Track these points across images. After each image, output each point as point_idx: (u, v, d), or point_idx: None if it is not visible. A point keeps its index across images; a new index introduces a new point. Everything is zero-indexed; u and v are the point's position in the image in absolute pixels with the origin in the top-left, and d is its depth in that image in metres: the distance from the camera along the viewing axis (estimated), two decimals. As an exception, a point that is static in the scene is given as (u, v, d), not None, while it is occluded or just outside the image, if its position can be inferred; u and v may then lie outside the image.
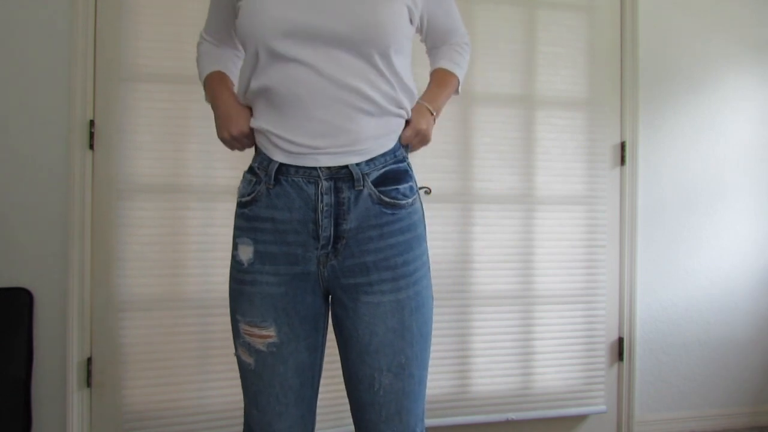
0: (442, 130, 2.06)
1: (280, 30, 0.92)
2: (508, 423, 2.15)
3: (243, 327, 0.99)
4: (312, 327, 1.01)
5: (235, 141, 1.04)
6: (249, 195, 0.99)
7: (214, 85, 1.08)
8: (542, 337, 2.16)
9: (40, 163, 1.82)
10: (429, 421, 1.95)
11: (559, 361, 2.18)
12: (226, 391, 1.92)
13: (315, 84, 0.93)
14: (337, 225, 0.96)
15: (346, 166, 0.95)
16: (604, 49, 2.24)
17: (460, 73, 1.17)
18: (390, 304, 0.96)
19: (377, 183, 0.97)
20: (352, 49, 0.93)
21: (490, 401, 2.13)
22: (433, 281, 1.09)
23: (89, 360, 1.85)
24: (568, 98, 2.19)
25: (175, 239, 1.89)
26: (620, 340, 2.26)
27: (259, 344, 0.97)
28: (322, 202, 0.95)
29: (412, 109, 1.05)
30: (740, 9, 2.38)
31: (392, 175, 0.99)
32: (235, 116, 1.02)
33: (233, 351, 1.88)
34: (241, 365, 1.02)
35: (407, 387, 0.98)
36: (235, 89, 1.09)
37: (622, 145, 2.25)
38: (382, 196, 0.97)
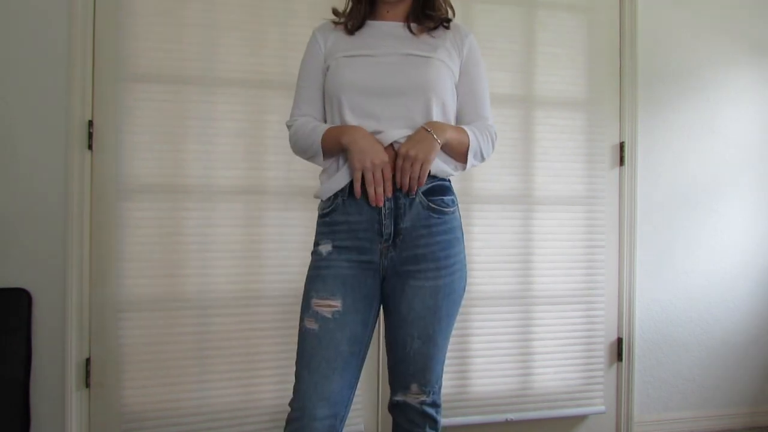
0: (441, 130, 2.06)
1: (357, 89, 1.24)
2: (507, 423, 2.15)
3: (315, 301, 1.22)
4: (368, 305, 1.25)
5: (376, 168, 1.20)
6: (328, 208, 1.26)
7: (342, 128, 1.24)
8: (541, 337, 2.16)
9: (39, 164, 1.82)
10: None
11: (558, 362, 2.18)
12: (225, 392, 1.92)
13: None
14: (395, 224, 1.22)
15: None
16: (603, 50, 2.24)
17: (473, 140, 1.27)
18: (429, 289, 1.23)
19: (426, 194, 1.23)
20: (406, 96, 1.23)
21: (489, 402, 2.13)
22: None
23: (88, 360, 1.85)
24: (567, 98, 2.19)
25: (174, 239, 1.89)
26: (619, 341, 2.26)
27: (326, 312, 1.20)
28: (384, 207, 1.21)
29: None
30: (740, 9, 2.38)
31: (438, 189, 1.25)
32: (378, 148, 1.21)
33: (237, 350, 1.88)
34: (305, 333, 1.22)
35: (431, 351, 1.25)
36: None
37: (621, 146, 2.25)
38: (430, 204, 1.23)
